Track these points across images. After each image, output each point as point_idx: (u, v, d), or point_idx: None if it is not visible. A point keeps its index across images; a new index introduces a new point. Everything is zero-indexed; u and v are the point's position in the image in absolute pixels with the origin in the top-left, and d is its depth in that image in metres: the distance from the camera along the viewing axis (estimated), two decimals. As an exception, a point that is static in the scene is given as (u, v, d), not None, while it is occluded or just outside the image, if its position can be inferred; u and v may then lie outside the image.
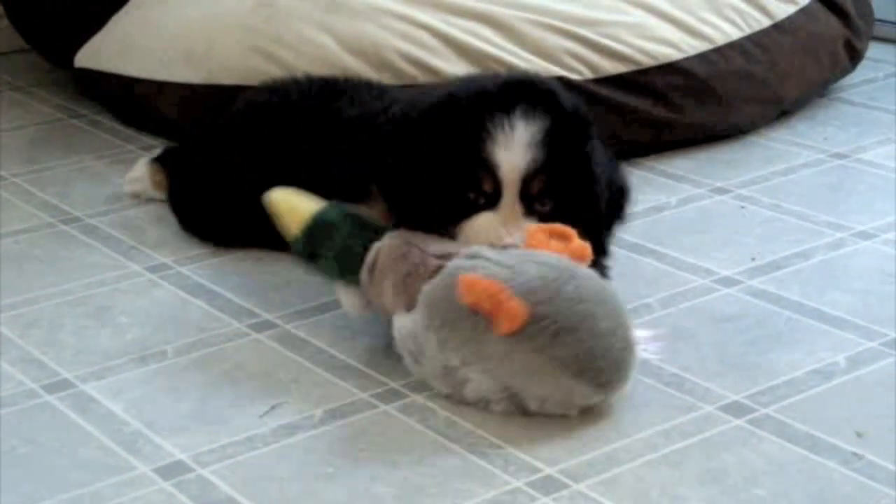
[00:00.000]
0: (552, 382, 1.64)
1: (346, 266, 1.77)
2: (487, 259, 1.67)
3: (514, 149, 1.74)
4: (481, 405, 1.67)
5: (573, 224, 1.75)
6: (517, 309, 1.62)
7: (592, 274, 1.71)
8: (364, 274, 1.75)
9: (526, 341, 1.63)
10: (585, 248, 1.72)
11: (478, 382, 1.66)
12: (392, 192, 1.83)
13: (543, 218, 1.76)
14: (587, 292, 1.66)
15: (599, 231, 1.82)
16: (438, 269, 1.70)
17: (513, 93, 1.78)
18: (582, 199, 1.79)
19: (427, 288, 1.69)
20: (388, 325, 1.73)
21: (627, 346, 1.67)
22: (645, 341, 1.72)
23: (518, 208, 1.76)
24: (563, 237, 1.72)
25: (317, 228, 1.78)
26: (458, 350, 1.66)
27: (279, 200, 1.82)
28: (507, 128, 1.74)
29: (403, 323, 1.70)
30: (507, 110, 1.75)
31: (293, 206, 1.81)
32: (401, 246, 1.74)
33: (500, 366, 1.64)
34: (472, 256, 1.68)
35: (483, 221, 1.75)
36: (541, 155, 1.74)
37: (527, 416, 1.65)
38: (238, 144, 2.14)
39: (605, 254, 1.85)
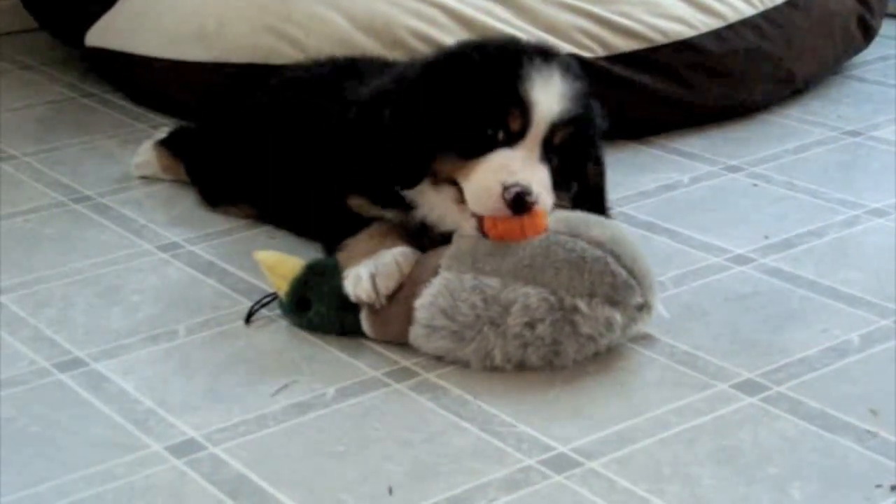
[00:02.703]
0: (595, 266, 1.68)
1: (342, 306, 1.78)
2: None
3: (551, 93, 1.75)
4: (528, 337, 1.68)
5: (566, 191, 1.80)
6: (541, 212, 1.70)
7: None
8: (365, 310, 1.77)
9: (561, 234, 1.70)
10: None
11: (523, 298, 1.67)
12: (396, 135, 1.79)
13: (550, 172, 1.76)
14: None
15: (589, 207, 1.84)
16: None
17: (551, 50, 1.82)
18: (585, 175, 1.83)
19: (447, 251, 1.73)
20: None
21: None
22: None
23: (537, 151, 1.75)
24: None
25: (312, 272, 1.80)
26: (496, 272, 1.68)
27: (266, 256, 1.84)
28: (546, 72, 1.75)
29: (428, 292, 1.71)
30: (547, 59, 1.77)
31: (281, 259, 1.84)
32: None
33: (542, 267, 1.68)
34: None
35: (499, 157, 1.74)
36: (571, 109, 1.76)
37: (548, 390, 1.66)
38: (268, 121, 2.13)
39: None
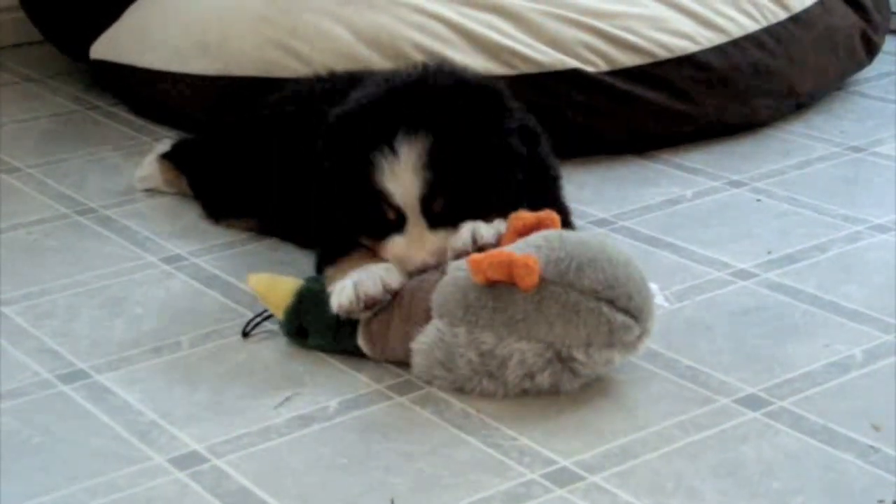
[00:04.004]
0: (590, 318, 1.64)
1: (339, 332, 1.77)
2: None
3: (403, 176, 1.75)
4: (528, 385, 1.66)
5: (487, 210, 1.78)
6: (529, 259, 1.64)
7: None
8: (362, 337, 1.76)
9: (553, 284, 1.65)
10: (545, 217, 1.74)
11: (519, 354, 1.65)
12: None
13: (454, 223, 1.77)
14: (587, 237, 1.72)
15: (520, 204, 1.81)
16: (435, 283, 1.72)
17: (394, 113, 1.78)
18: (490, 195, 1.79)
19: (435, 296, 1.70)
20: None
21: (644, 276, 1.70)
22: (656, 289, 1.75)
23: (423, 226, 1.77)
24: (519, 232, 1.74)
25: (304, 301, 1.79)
26: (489, 326, 1.65)
27: (258, 282, 1.83)
28: (391, 155, 1.75)
29: (423, 339, 1.69)
30: (390, 135, 1.76)
31: (273, 285, 1.83)
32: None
33: (535, 322, 1.64)
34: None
35: (394, 246, 1.78)
36: (432, 174, 1.75)
37: (554, 405, 1.66)
38: (270, 135, 2.14)
39: (563, 213, 1.87)
